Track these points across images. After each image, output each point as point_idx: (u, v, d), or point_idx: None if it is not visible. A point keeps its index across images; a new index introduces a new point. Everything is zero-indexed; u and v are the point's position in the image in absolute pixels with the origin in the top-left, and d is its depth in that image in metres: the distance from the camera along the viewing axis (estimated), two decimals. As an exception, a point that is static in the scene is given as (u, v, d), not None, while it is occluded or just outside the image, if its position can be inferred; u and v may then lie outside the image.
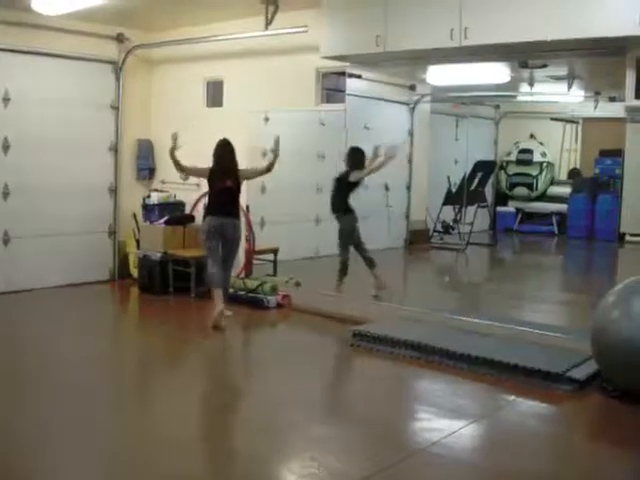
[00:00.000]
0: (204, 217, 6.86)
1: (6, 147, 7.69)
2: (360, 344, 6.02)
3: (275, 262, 8.11)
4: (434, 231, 10.66)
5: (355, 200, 7.70)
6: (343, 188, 7.37)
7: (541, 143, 12.58)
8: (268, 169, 6.81)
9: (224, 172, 6.63)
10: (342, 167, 7.51)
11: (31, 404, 4.62)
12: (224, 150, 6.68)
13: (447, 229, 10.76)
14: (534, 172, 12.39)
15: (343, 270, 7.36)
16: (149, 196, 8.67)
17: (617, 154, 10.23)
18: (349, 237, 7.36)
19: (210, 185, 6.74)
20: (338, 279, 7.36)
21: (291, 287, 7.57)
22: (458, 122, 11.27)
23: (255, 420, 4.53)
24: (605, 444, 4.38)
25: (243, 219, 7.68)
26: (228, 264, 6.77)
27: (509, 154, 12.64)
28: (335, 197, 7.43)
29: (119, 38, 8.54)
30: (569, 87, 8.06)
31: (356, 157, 7.37)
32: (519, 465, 3.93)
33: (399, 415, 4.76)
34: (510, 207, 12.50)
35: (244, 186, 7.90)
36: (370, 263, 7.40)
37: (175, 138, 6.66)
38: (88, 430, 4.21)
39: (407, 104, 9.82)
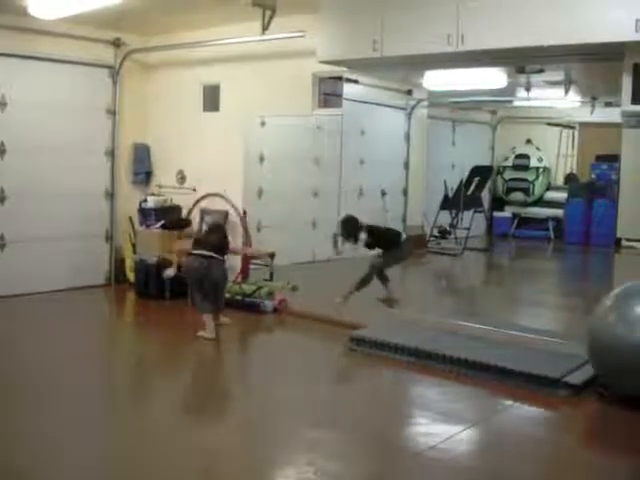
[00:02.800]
0: (189, 253, 6.55)
1: (2, 151, 7.67)
2: (357, 349, 6.01)
3: (272, 266, 8.09)
4: (431, 236, 10.67)
5: (352, 205, 7.71)
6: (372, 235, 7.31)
7: (538, 148, 12.61)
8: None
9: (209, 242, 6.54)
10: (338, 171, 7.53)
11: (29, 406, 4.62)
12: (215, 232, 6.69)
13: (444, 234, 10.76)
14: (530, 177, 12.41)
15: (366, 283, 7.27)
16: (145, 200, 8.65)
17: (613, 159, 10.29)
18: (391, 263, 7.43)
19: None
20: (356, 288, 7.24)
21: (288, 291, 7.56)
22: (455, 127, 11.31)
23: (251, 424, 4.53)
24: (602, 449, 4.38)
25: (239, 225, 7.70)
26: (218, 296, 6.54)
27: (506, 159, 12.67)
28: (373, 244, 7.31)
29: (116, 42, 8.53)
30: (566, 92, 8.08)
31: (349, 228, 7.25)
32: (516, 470, 3.92)
33: (396, 420, 4.75)
34: (507, 212, 12.52)
35: (240, 190, 7.95)
36: (383, 279, 7.43)
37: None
38: (85, 433, 4.21)
39: (404, 109, 9.84)
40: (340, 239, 7.42)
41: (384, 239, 7.39)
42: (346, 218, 7.33)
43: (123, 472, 3.76)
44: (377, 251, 7.31)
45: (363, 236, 7.18)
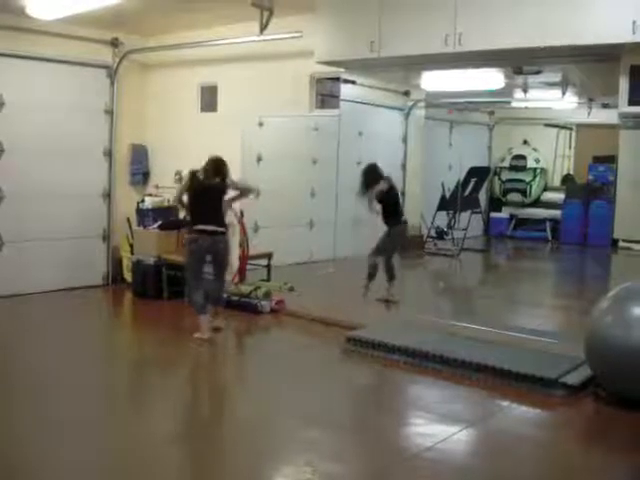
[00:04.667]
0: (188, 230, 6.42)
1: (0, 151, 7.67)
2: (354, 349, 6.01)
3: (269, 267, 8.10)
4: (428, 237, 10.68)
5: (350, 206, 7.71)
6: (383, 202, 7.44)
7: (535, 149, 12.63)
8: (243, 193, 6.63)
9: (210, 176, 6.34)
10: (335, 171, 7.55)
11: (27, 406, 4.62)
12: (214, 164, 6.46)
13: (441, 235, 10.77)
14: (528, 178, 12.43)
15: (372, 274, 7.41)
16: (143, 201, 8.65)
17: (610, 160, 10.32)
18: (391, 246, 7.49)
19: (192, 190, 6.34)
20: (366, 283, 7.38)
21: (285, 292, 7.56)
22: (452, 128, 11.30)
23: (248, 425, 4.52)
24: (599, 450, 4.38)
25: (236, 225, 7.69)
26: (220, 274, 6.48)
27: (503, 160, 12.68)
28: (383, 211, 7.49)
29: (114, 43, 8.53)
30: (563, 93, 8.10)
31: (369, 177, 7.44)
32: (513, 471, 3.93)
33: (393, 420, 4.75)
34: (504, 213, 12.54)
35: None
36: (391, 275, 7.48)
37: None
38: (84, 433, 4.21)
39: (401, 110, 9.84)
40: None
41: (393, 199, 7.51)
42: (367, 168, 7.48)
43: (122, 471, 3.76)
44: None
45: (383, 186, 7.35)
